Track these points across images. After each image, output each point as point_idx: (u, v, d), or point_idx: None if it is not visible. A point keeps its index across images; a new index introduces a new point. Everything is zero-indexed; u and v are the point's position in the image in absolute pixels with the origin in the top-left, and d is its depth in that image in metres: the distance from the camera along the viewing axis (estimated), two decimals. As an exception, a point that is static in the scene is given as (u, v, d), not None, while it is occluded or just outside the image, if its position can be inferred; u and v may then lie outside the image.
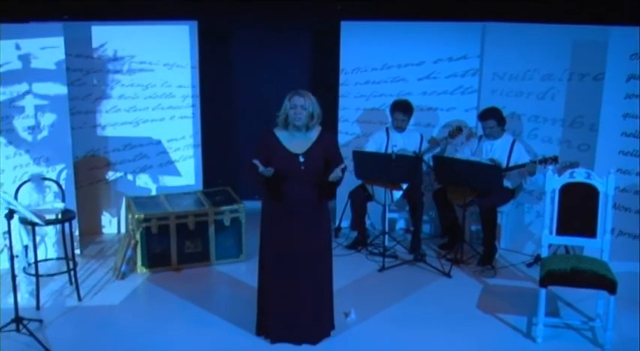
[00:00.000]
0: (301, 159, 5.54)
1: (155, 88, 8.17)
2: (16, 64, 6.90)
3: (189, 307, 6.50)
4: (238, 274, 7.15)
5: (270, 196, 5.58)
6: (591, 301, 6.20)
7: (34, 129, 7.21)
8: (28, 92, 7.06)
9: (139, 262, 7.23)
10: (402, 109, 7.69)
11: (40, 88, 7.09)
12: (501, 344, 5.88)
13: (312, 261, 5.71)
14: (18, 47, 6.88)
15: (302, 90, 5.59)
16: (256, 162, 5.40)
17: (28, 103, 7.10)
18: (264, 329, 5.91)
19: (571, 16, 7.12)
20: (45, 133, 7.29)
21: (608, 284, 5.61)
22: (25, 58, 6.91)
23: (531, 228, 7.70)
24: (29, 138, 7.20)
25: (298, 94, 5.52)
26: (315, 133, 5.64)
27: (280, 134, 5.62)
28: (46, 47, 7.00)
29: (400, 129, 7.75)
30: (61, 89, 7.20)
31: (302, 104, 5.49)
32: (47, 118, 7.26)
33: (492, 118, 7.38)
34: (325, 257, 5.82)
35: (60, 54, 7.12)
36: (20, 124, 7.12)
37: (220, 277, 7.24)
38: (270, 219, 5.73)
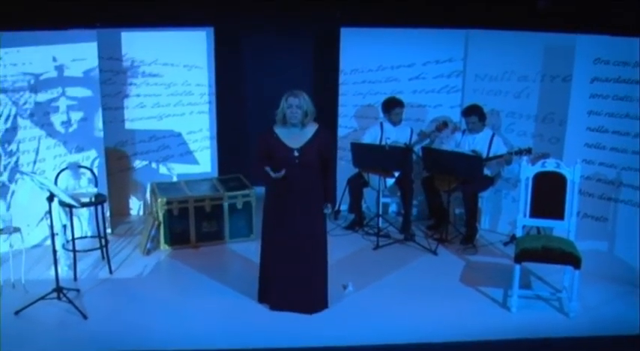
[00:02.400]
0: (296, 153, 5.60)
1: (176, 86, 8.21)
2: (53, 73, 7.02)
3: (205, 279, 6.59)
4: (248, 251, 7.14)
5: (274, 187, 5.71)
6: (559, 275, 6.24)
7: (70, 124, 7.26)
8: (62, 94, 7.13)
9: (162, 240, 7.29)
10: (395, 105, 7.71)
11: (72, 91, 7.17)
12: (480, 313, 5.96)
13: (307, 240, 5.77)
14: (55, 60, 6.97)
15: (296, 90, 5.61)
16: (268, 169, 5.54)
17: (63, 103, 7.17)
18: (265, 298, 6.00)
19: (543, 24, 7.08)
20: (81, 127, 7.32)
21: (573, 260, 5.73)
22: (59, 68, 6.99)
23: (508, 211, 7.69)
24: (67, 131, 7.26)
25: (293, 95, 5.55)
26: (311, 130, 5.68)
27: (279, 131, 5.67)
28: (76, 59, 7.07)
29: (393, 123, 7.76)
30: (92, 91, 7.26)
31: (297, 104, 5.53)
32: (82, 114, 7.30)
33: (474, 114, 7.39)
34: (319, 237, 5.85)
35: (88, 63, 7.17)
36: (58, 119, 7.18)
37: (233, 253, 7.29)
38: (270, 204, 5.80)
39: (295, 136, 5.66)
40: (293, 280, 5.83)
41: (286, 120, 5.60)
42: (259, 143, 5.75)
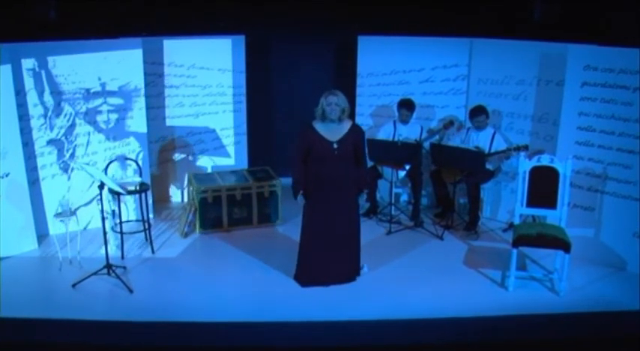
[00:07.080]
0: (335, 145, 5.70)
1: (211, 87, 8.26)
2: (98, 88, 7.20)
3: (235, 259, 6.70)
4: (274, 235, 7.28)
5: (315, 176, 5.82)
6: (551, 258, 6.32)
7: (116, 123, 7.36)
8: (104, 102, 7.28)
9: (198, 225, 7.36)
10: (406, 106, 7.71)
11: (112, 100, 7.31)
12: (481, 292, 6.05)
13: (345, 221, 5.89)
14: (99, 79, 7.14)
15: (335, 90, 5.71)
16: (300, 197, 5.87)
17: (105, 108, 7.31)
18: (303, 275, 6.08)
19: (539, 34, 7.07)
20: (127, 124, 7.45)
21: (564, 245, 5.81)
22: (102, 85, 7.19)
23: (507, 201, 7.70)
24: (115, 128, 7.37)
25: (332, 94, 5.66)
26: (347, 125, 5.76)
27: (318, 126, 5.75)
28: (114, 78, 7.23)
29: (404, 122, 7.75)
30: (124, 100, 7.38)
31: (336, 102, 5.64)
32: (125, 115, 7.42)
33: (483, 113, 7.38)
34: (354, 217, 5.98)
35: (121, 81, 7.29)
36: (103, 119, 7.29)
37: (260, 236, 7.34)
38: (312, 191, 5.88)
39: (333, 131, 5.75)
40: (333, 255, 5.95)
41: (325, 116, 5.70)
42: (300, 138, 5.82)
